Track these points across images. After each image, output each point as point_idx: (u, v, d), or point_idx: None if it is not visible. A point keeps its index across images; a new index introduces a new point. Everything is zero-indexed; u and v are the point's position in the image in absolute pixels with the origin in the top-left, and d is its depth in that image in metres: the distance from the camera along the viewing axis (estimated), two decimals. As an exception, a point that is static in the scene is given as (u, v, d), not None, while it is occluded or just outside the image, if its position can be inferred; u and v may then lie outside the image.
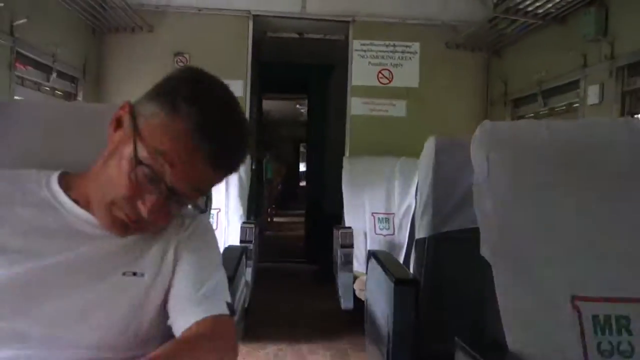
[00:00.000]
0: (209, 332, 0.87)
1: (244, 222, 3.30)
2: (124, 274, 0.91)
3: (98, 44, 3.95)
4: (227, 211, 3.38)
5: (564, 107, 3.25)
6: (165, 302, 0.93)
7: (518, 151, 1.22)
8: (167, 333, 0.94)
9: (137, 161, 0.84)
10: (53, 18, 3.23)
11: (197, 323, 0.87)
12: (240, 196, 3.45)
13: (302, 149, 16.08)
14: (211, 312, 0.89)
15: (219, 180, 0.91)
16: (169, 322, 0.92)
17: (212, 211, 3.35)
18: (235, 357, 0.90)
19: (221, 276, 0.98)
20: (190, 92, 0.86)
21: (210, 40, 4.05)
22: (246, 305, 2.86)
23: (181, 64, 4.03)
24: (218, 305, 0.91)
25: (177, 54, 4.02)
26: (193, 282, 0.93)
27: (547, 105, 3.35)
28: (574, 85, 3.03)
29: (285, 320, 3.76)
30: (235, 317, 0.95)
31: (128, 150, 0.86)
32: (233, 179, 3.45)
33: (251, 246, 3.10)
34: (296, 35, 4.58)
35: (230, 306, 0.93)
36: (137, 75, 3.97)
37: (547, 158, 1.21)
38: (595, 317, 1.16)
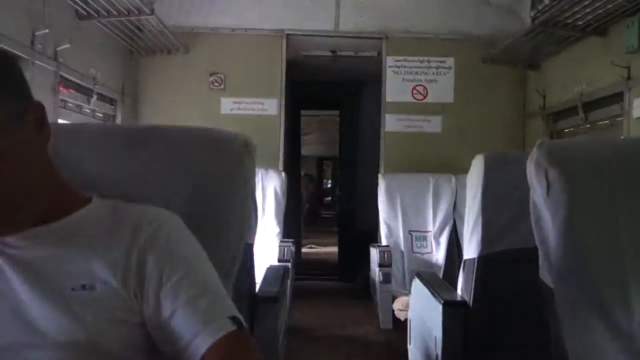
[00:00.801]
0: (225, 355, 0.84)
1: (282, 241, 3.30)
2: (72, 288, 0.85)
3: (135, 66, 4.04)
4: (263, 229, 3.39)
5: (607, 121, 3.18)
6: (136, 315, 0.88)
7: (579, 168, 1.18)
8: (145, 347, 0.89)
9: None
10: (93, 41, 3.32)
11: (207, 352, 0.83)
12: (277, 213, 3.46)
13: (324, 166, 16.17)
14: (218, 334, 0.84)
15: None
16: (166, 346, 0.87)
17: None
18: None
19: (216, 285, 0.92)
20: None
21: (245, 60, 4.11)
22: (286, 326, 2.85)
23: (216, 84, 4.10)
24: (222, 323, 0.86)
25: (213, 74, 4.09)
26: (188, 303, 0.86)
27: (588, 119, 3.28)
28: (617, 97, 2.96)
29: (324, 340, 3.71)
30: (246, 329, 0.90)
31: None
32: (269, 197, 3.47)
33: (289, 265, 3.10)
34: (329, 54, 4.60)
35: (236, 319, 0.87)
36: (173, 95, 4.05)
37: (610, 176, 1.17)
38: (665, 345, 1.11)
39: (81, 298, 0.85)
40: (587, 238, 1.16)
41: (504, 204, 1.70)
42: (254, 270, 1.84)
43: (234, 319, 0.87)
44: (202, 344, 0.84)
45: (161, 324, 0.87)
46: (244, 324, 0.90)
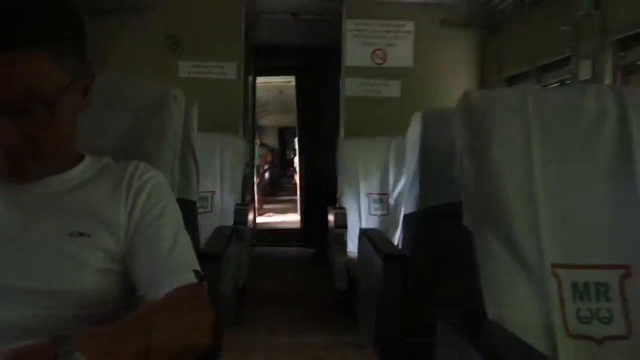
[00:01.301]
0: (180, 302, 0.88)
1: (237, 205, 3.32)
2: (70, 234, 0.91)
3: (92, 29, 3.92)
4: (221, 194, 3.39)
5: (557, 84, 3.25)
6: (123, 266, 0.94)
7: (499, 118, 1.22)
8: (126, 296, 0.95)
9: None
10: None
11: (166, 296, 0.88)
12: (234, 179, 3.46)
13: (286, 137, 16.26)
14: (178, 283, 0.89)
15: (31, 62, 0.81)
16: (137, 290, 0.93)
17: (206, 194, 3.37)
18: (210, 324, 0.91)
19: (184, 240, 0.98)
20: None
21: (203, 22, 4.02)
22: (240, 286, 2.89)
23: (174, 46, 4.02)
24: (185, 275, 0.91)
25: (168, 37, 4.00)
26: (156, 252, 0.93)
27: (541, 83, 3.35)
28: (566, 61, 3.03)
29: (280, 301, 3.80)
30: (205, 284, 0.95)
31: None
32: (227, 162, 3.46)
33: (244, 228, 3.12)
34: (290, 16, 4.55)
35: (198, 274, 0.93)
36: (128, 58, 3.95)
37: (529, 124, 1.22)
38: (574, 284, 1.17)
39: (78, 242, 0.91)
40: (503, 182, 1.21)
41: (441, 160, 1.73)
42: (197, 229, 1.87)
43: (196, 272, 0.93)
44: (165, 287, 0.89)
45: (135, 266, 0.94)
46: (204, 280, 0.95)
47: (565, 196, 1.21)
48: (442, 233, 1.73)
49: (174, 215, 1.01)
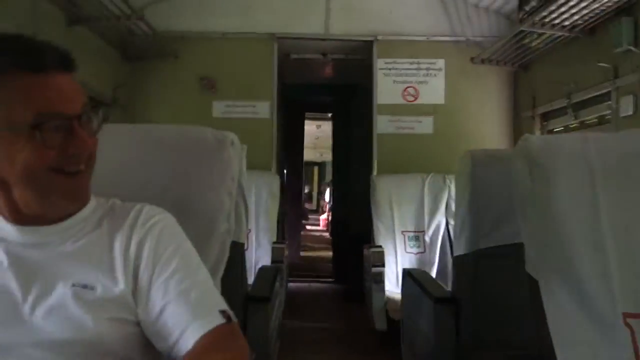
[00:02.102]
0: (213, 347, 0.86)
1: (274, 243, 3.31)
2: (73, 285, 0.89)
3: (127, 72, 4.03)
4: (256, 232, 3.40)
5: (596, 120, 3.21)
6: (134, 314, 0.91)
7: (562, 164, 1.20)
8: (140, 343, 0.92)
9: (34, 126, 0.84)
10: (83, 47, 3.32)
11: (198, 343, 0.86)
12: (270, 216, 3.47)
13: (316, 170, 16.47)
14: (208, 327, 0.87)
15: (70, 79, 0.90)
16: (163, 342, 0.90)
17: (242, 232, 3.38)
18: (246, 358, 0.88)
19: (205, 281, 0.95)
20: None
21: (236, 64, 4.12)
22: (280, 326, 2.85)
23: (207, 87, 4.10)
24: (213, 317, 0.89)
25: (203, 78, 4.09)
26: (178, 297, 0.90)
27: (578, 118, 3.31)
28: (604, 97, 2.99)
29: (317, 342, 3.73)
30: (235, 323, 0.93)
31: (13, 134, 0.84)
32: (262, 200, 3.47)
33: (282, 266, 3.10)
34: (320, 56, 4.62)
35: (225, 313, 0.90)
36: (164, 100, 4.05)
37: (592, 171, 1.19)
38: (648, 334, 1.12)
39: (82, 296, 0.88)
40: (570, 231, 1.18)
41: (492, 201, 1.71)
42: (245, 271, 1.86)
43: (223, 312, 0.90)
44: (191, 336, 0.87)
45: (153, 320, 0.90)
46: (233, 318, 0.92)
47: (635, 243, 1.17)
48: (496, 276, 1.70)
49: (189, 256, 0.98)
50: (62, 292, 0.88)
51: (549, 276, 1.18)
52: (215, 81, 4.10)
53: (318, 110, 7.02)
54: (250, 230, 3.37)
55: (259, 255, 3.34)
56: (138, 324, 0.91)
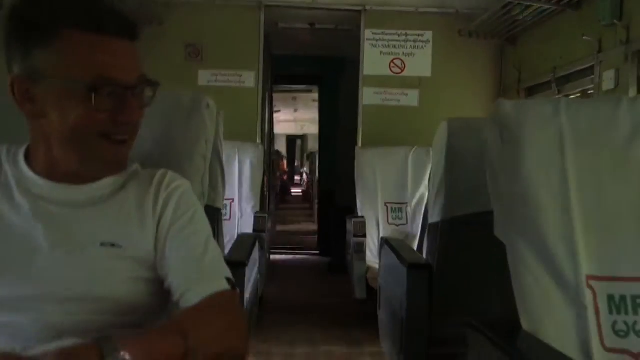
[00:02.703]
0: (216, 308, 0.89)
1: (257, 212, 3.32)
2: (102, 244, 0.92)
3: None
4: (240, 201, 3.40)
5: (579, 94, 3.22)
6: (154, 273, 0.94)
7: (532, 128, 1.21)
8: (158, 303, 0.96)
9: (90, 88, 0.85)
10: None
11: (202, 301, 0.89)
12: (253, 187, 3.47)
13: (299, 143, 16.51)
14: (213, 289, 0.90)
15: (133, 47, 0.91)
16: (172, 295, 0.94)
17: (225, 201, 3.38)
18: (245, 329, 0.93)
19: (215, 248, 0.99)
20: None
21: (222, 31, 4.06)
22: (260, 294, 2.88)
23: (193, 55, 4.06)
24: (220, 282, 0.93)
25: (189, 45, 4.04)
26: (189, 256, 0.94)
27: (562, 93, 3.32)
28: (589, 71, 3.00)
29: (298, 310, 3.78)
30: (238, 291, 0.97)
31: (68, 90, 0.85)
32: (245, 170, 3.47)
33: (264, 235, 3.12)
34: (307, 26, 4.57)
35: (230, 281, 0.94)
36: (148, 67, 3.98)
37: (562, 135, 1.20)
38: (610, 297, 1.15)
39: (111, 255, 0.92)
40: (537, 193, 1.19)
41: (467, 169, 1.73)
42: (222, 236, 1.88)
43: (229, 280, 0.95)
44: (196, 294, 0.90)
45: (165, 274, 0.94)
46: (237, 287, 0.96)
47: (600, 207, 1.19)
48: (469, 243, 1.72)
49: (203, 223, 1.02)
50: (90, 249, 0.91)
51: (515, 239, 1.20)
52: (201, 49, 4.06)
53: (304, 82, 6.97)
54: (233, 200, 3.37)
55: (241, 225, 3.35)
56: (158, 281, 0.95)
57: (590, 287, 1.16)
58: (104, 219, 0.94)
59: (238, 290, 0.97)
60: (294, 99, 9.04)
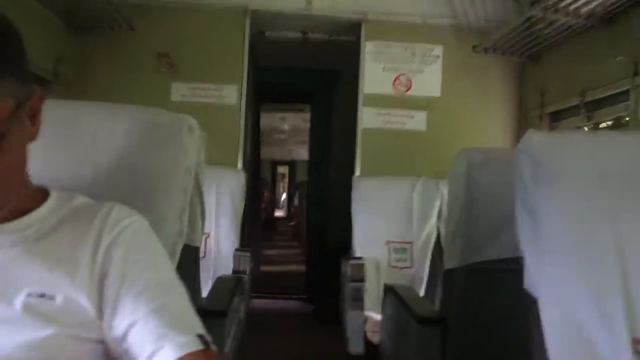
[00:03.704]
0: None
1: (237, 250, 3.29)
2: (29, 294, 0.87)
3: (72, 44, 3.97)
4: (217, 237, 3.38)
5: (612, 121, 3.26)
6: (98, 330, 0.90)
7: (569, 164, 1.21)
8: None
9: None
10: (18, 10, 3.26)
11: None
12: (233, 220, 3.45)
13: (280, 170, 16.44)
14: (184, 350, 0.86)
15: None
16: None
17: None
18: None
19: (181, 297, 0.95)
20: None
21: (200, 40, 4.09)
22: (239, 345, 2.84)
23: (167, 66, 4.07)
24: (190, 340, 0.88)
25: (162, 55, 4.05)
26: (150, 314, 0.89)
27: (591, 120, 3.36)
28: (623, 96, 3.04)
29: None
30: (215, 350, 0.93)
31: None
32: (224, 200, 3.45)
33: (245, 278, 3.09)
34: (299, 35, 4.61)
35: (203, 338, 0.90)
36: (116, 79, 4.00)
37: (603, 174, 1.20)
38: (659, 363, 1.14)
39: (39, 308, 0.86)
40: (576, 243, 1.19)
41: (489, 207, 1.72)
42: (199, 280, 1.85)
43: (201, 337, 0.90)
44: (165, 358, 0.85)
45: (119, 338, 0.89)
46: (212, 345, 0.92)
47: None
48: (492, 295, 1.71)
49: (164, 268, 0.98)
50: (13, 302, 0.86)
51: (549, 294, 1.19)
52: (175, 59, 4.07)
53: (294, 100, 7.02)
54: (208, 235, 3.34)
55: (218, 264, 3.32)
56: (100, 342, 0.90)
57: (638, 352, 1.15)
58: (31, 263, 0.90)
59: (214, 348, 0.92)
60: (282, 119, 9.09)
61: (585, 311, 1.16)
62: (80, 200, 1.00)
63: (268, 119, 8.83)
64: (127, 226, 0.96)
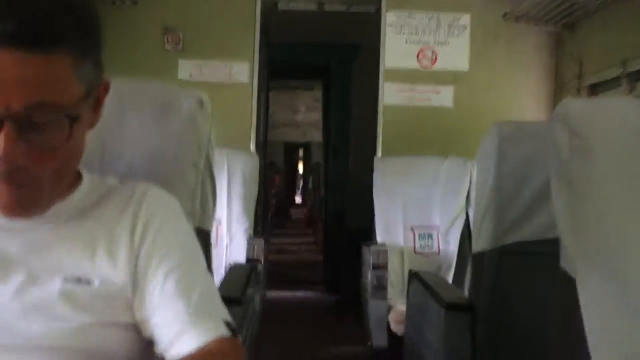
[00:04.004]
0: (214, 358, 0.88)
1: (251, 238, 3.31)
2: (65, 279, 0.90)
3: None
4: (229, 223, 3.40)
5: (657, 95, 3.23)
6: (131, 317, 0.94)
7: (610, 134, 1.20)
8: (136, 353, 0.95)
9: None
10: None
11: (197, 353, 0.88)
12: (246, 206, 3.47)
13: (301, 153, 16.38)
14: (210, 336, 0.90)
15: (28, 60, 0.81)
16: (157, 344, 0.93)
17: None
18: None
19: (210, 284, 1.00)
20: None
21: (208, 14, 4.10)
22: (255, 337, 2.87)
23: (173, 43, 4.08)
24: (217, 325, 0.92)
25: (168, 30, 4.06)
26: (178, 294, 0.93)
27: (634, 92, 3.32)
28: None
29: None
30: (240, 339, 0.97)
31: None
32: (237, 184, 3.47)
33: (260, 266, 3.11)
34: (314, 8, 4.60)
35: (230, 325, 0.93)
36: (117, 56, 4.02)
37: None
38: None
39: (76, 294, 0.90)
40: (617, 219, 1.18)
41: (522, 185, 1.71)
42: (211, 264, 1.86)
43: (228, 324, 0.93)
44: (188, 343, 0.89)
45: (146, 318, 0.93)
46: (238, 334, 0.96)
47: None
48: (524, 277, 1.71)
49: (196, 252, 1.02)
50: (49, 287, 0.89)
51: (589, 273, 1.19)
52: (182, 34, 4.08)
53: (309, 77, 7.02)
54: (220, 222, 3.37)
55: (231, 252, 3.34)
56: (135, 326, 0.94)
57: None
58: (67, 246, 0.93)
59: (240, 337, 0.96)
60: (296, 96, 9.11)
61: (628, 293, 1.16)
62: (113, 181, 1.05)
63: (280, 98, 8.85)
64: (163, 206, 1.01)
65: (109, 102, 1.37)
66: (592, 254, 1.18)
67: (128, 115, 1.33)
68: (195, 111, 1.41)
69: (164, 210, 1.01)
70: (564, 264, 1.23)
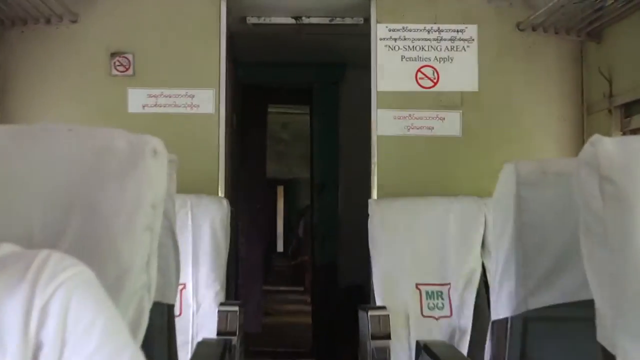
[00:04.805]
0: None
1: (222, 304, 3.29)
2: None
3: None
4: (195, 288, 3.37)
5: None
6: None
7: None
8: None
9: None
10: None
11: None
12: (216, 264, 3.45)
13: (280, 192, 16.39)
14: None
15: None
16: None
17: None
18: None
19: None
20: None
21: (163, 33, 4.11)
22: None
23: (121, 68, 4.08)
24: None
25: (115, 53, 4.07)
26: None
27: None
28: None
29: None
30: None
31: None
32: (204, 239, 3.46)
33: (235, 340, 3.08)
34: (292, 21, 4.64)
35: None
36: (54, 86, 4.02)
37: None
38: None
39: None
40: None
41: (547, 237, 1.72)
42: (175, 346, 1.85)
43: None
44: None
45: None
46: None
47: None
48: (555, 350, 1.70)
49: (114, 329, 0.99)
50: None
51: (633, 349, 1.19)
52: (132, 58, 4.09)
53: (287, 101, 7.07)
54: (184, 286, 3.34)
55: (199, 323, 3.32)
56: None
57: None
58: None
59: None
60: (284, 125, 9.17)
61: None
62: (6, 248, 1.01)
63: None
64: (68, 279, 0.95)
65: (40, 155, 1.38)
66: (636, 327, 1.19)
67: (62, 171, 1.34)
68: (148, 162, 1.40)
69: (70, 284, 0.95)
70: (602, 337, 1.23)
